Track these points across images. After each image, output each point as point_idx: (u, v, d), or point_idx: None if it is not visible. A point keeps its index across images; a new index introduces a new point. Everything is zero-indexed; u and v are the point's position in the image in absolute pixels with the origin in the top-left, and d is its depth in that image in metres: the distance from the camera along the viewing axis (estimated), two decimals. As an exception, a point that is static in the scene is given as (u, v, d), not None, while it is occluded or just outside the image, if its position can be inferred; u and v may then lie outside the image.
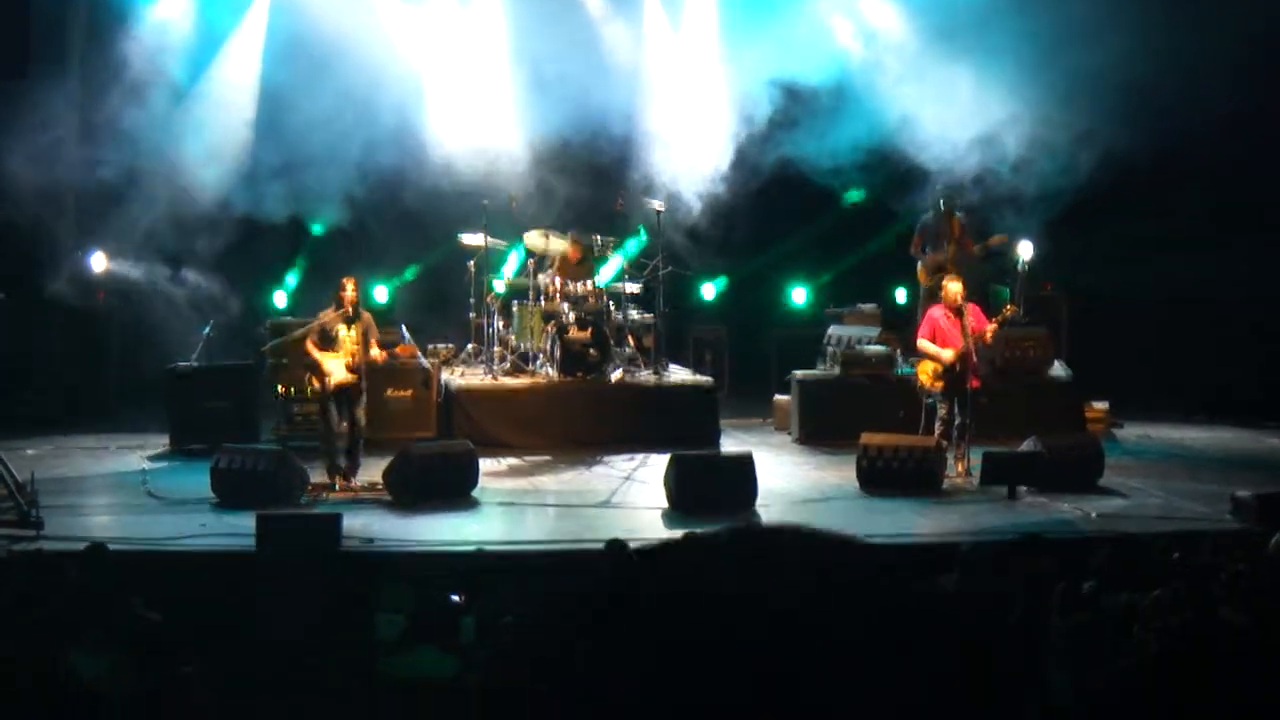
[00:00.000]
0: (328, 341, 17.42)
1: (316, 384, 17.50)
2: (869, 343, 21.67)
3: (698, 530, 11.90)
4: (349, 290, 17.45)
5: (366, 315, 17.74)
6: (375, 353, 17.52)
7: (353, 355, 17.34)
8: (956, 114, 21.55)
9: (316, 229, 23.01)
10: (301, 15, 22.15)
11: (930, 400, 18.53)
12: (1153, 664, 9.44)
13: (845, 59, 22.66)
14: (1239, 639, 9.98)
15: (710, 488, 16.82)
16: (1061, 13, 20.69)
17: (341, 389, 17.36)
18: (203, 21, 22.45)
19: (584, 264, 21.49)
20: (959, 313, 18.23)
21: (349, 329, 17.41)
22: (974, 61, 21.50)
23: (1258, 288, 22.71)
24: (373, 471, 17.54)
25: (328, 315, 17.52)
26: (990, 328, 18.35)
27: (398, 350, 18.52)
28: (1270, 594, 11.21)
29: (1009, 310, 18.88)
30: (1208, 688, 9.21)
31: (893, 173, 22.51)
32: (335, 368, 17.29)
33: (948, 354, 18.16)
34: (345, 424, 17.51)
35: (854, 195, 23.82)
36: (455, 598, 11.87)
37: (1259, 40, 20.76)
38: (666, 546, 5.06)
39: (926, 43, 22.27)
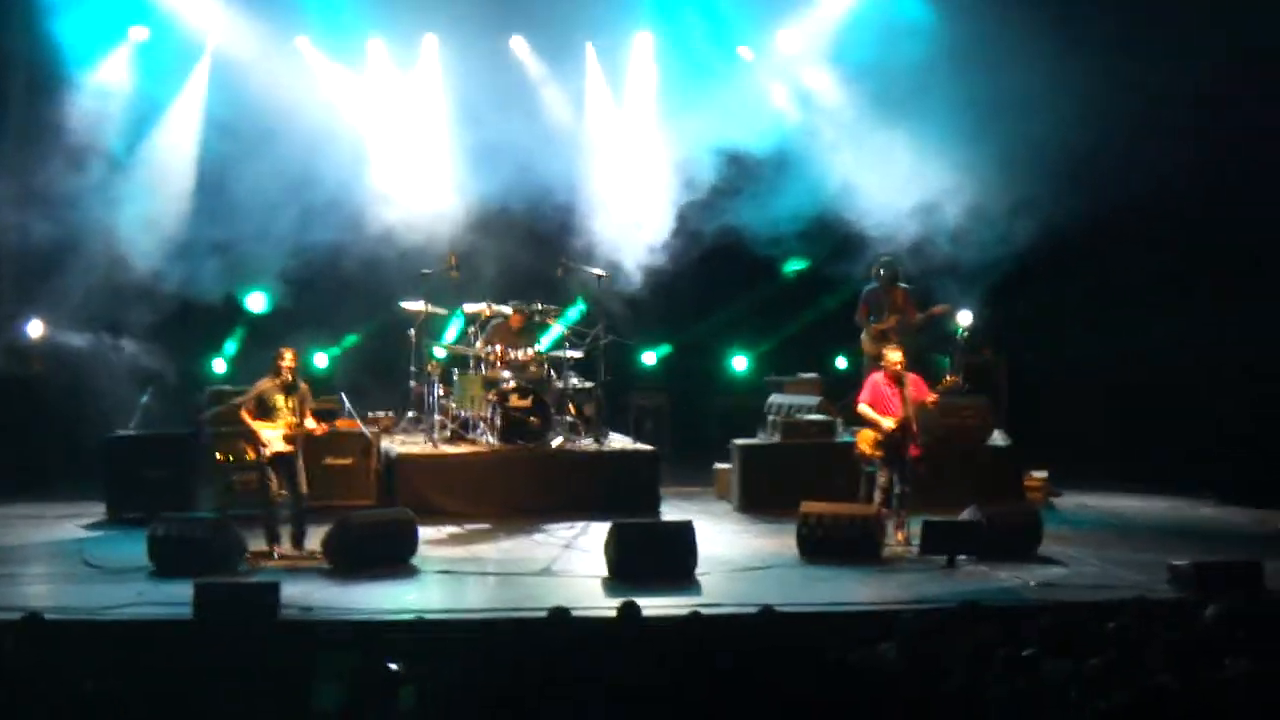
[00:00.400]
0: (265, 410, 17.35)
1: (253, 453, 17.41)
2: (809, 411, 21.74)
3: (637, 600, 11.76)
4: (287, 359, 17.39)
5: (304, 386, 17.67)
6: (311, 424, 17.46)
7: (290, 426, 17.28)
8: (896, 182, 21.77)
9: (254, 302, 22.87)
10: (241, 83, 22.19)
11: (870, 468, 18.58)
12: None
13: (785, 127, 22.84)
14: (1176, 706, 10.02)
15: (651, 556, 16.77)
16: (998, 80, 20.83)
17: (279, 458, 17.30)
18: (142, 88, 22.41)
19: (525, 331, 21.49)
20: (899, 381, 18.34)
21: (286, 399, 17.36)
22: (912, 129, 21.72)
23: (1195, 356, 22.88)
24: (311, 539, 17.45)
25: (265, 384, 17.45)
26: (931, 399, 18.45)
27: (337, 424, 18.45)
28: (1206, 662, 11.27)
29: (949, 380, 18.99)
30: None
31: (833, 241, 22.68)
32: (272, 437, 17.22)
33: (888, 422, 18.23)
34: (285, 491, 17.44)
35: (794, 265, 23.96)
36: (393, 666, 11.81)
37: (1198, 103, 20.97)
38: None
39: (865, 111, 22.48)
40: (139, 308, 21.52)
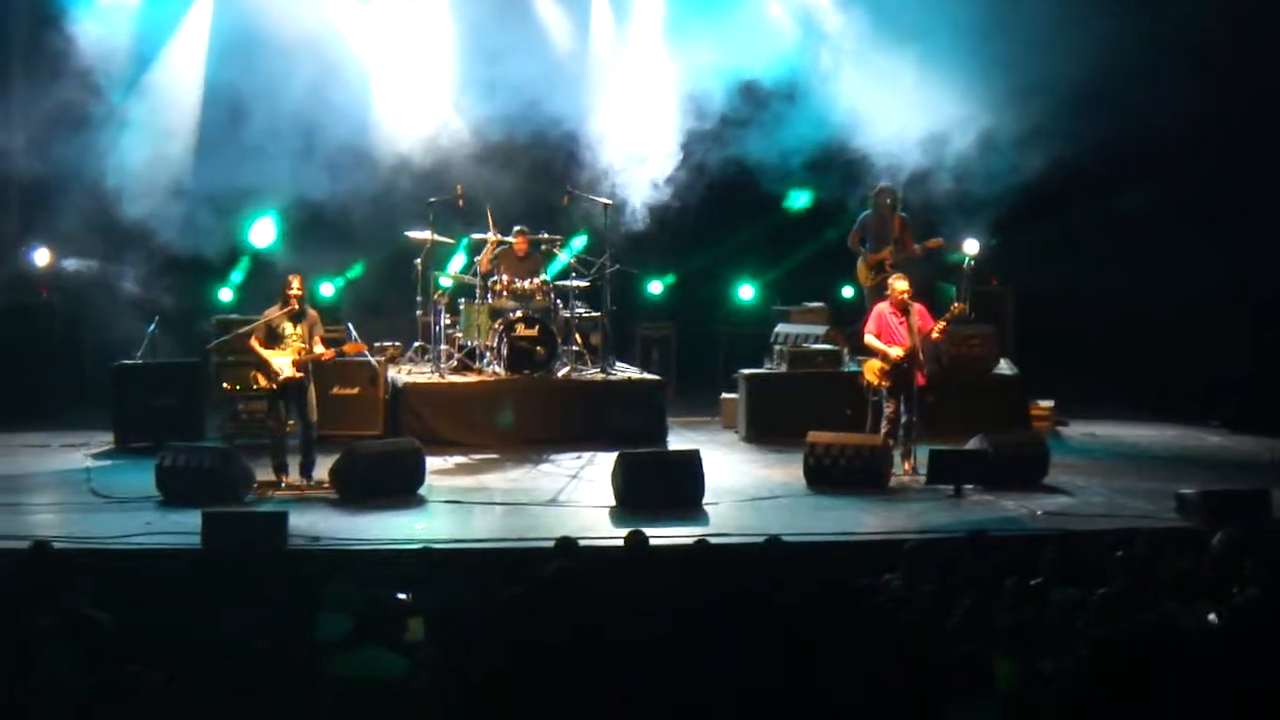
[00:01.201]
0: (274, 339, 17.33)
1: (263, 381, 17.39)
2: (816, 340, 21.71)
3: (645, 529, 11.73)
4: (294, 287, 17.37)
5: (312, 312, 17.65)
6: (320, 350, 17.43)
7: (299, 352, 17.27)
8: (903, 110, 21.58)
9: (260, 232, 22.72)
10: (247, 11, 22.01)
11: (876, 398, 18.57)
12: (1099, 656, 9.49)
13: (793, 55, 22.66)
14: (1183, 634, 10.04)
15: (657, 486, 16.81)
16: (1010, 11, 20.71)
17: (288, 386, 17.28)
18: (148, 15, 22.24)
19: (530, 260, 21.44)
20: (905, 310, 18.31)
21: (295, 326, 17.34)
22: (920, 56, 21.53)
23: (1204, 286, 22.84)
24: (319, 469, 17.47)
25: (273, 312, 17.44)
26: (938, 326, 18.42)
27: (345, 348, 18.45)
28: (1213, 591, 11.29)
29: (956, 308, 18.94)
30: (1153, 680, 9.27)
31: (839, 170, 22.52)
32: (282, 365, 17.21)
33: (895, 351, 18.22)
34: (292, 421, 17.46)
35: (797, 199, 23.86)
36: (401, 596, 11.84)
37: (1208, 40, 20.85)
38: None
39: (872, 38, 22.25)
40: (144, 237, 21.45)
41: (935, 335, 18.49)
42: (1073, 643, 10.12)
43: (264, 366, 17.28)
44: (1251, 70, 21.21)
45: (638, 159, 22.44)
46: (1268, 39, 21.25)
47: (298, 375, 17.29)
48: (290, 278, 17.51)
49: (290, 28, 21.82)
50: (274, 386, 17.28)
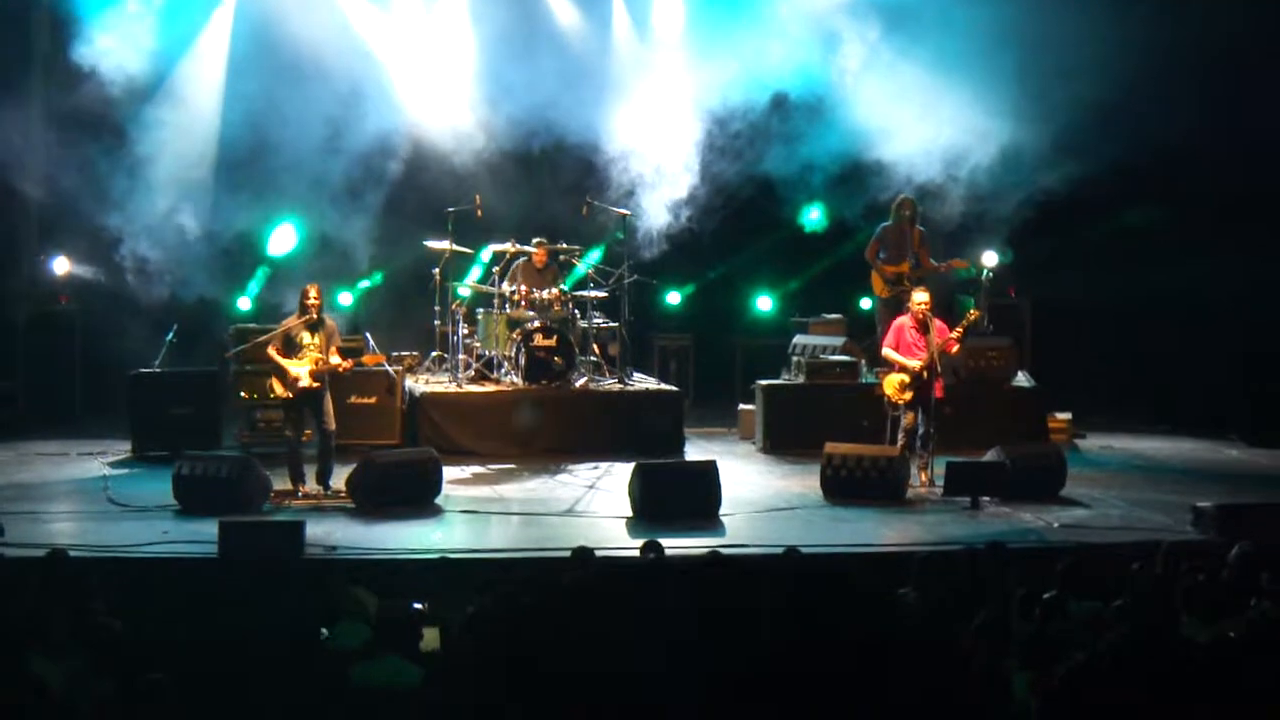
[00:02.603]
0: (291, 348, 17.37)
1: (280, 390, 17.43)
2: (834, 352, 21.71)
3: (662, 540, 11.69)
4: (312, 296, 17.41)
5: (330, 322, 17.70)
6: (337, 360, 17.46)
7: (316, 362, 17.30)
8: (921, 125, 21.59)
9: (279, 240, 22.72)
10: (267, 19, 22.06)
11: (896, 412, 18.55)
12: (1110, 664, 9.46)
13: (811, 69, 22.63)
14: (1198, 647, 10.00)
15: (674, 497, 16.81)
16: (1028, 23, 20.70)
17: (305, 395, 17.32)
18: (168, 25, 22.26)
19: (549, 271, 21.47)
20: (924, 324, 18.28)
21: (313, 335, 17.37)
22: (937, 71, 21.53)
23: (1221, 299, 22.82)
24: (336, 479, 17.49)
25: (291, 321, 17.48)
26: (954, 335, 18.38)
27: (364, 359, 18.48)
28: (1229, 605, 11.26)
29: (972, 315, 18.89)
30: (1164, 693, 9.24)
31: (855, 184, 22.51)
32: (299, 374, 17.25)
33: (914, 363, 18.20)
34: (309, 430, 17.49)
35: (809, 214, 23.87)
36: (418, 606, 11.83)
37: (1223, 54, 20.84)
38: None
39: (892, 51, 22.24)
40: (163, 245, 21.49)
41: (953, 347, 18.42)
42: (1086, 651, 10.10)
43: (281, 375, 17.31)
44: (1266, 83, 21.16)
45: (657, 170, 22.45)
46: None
47: (315, 385, 17.31)
48: (308, 287, 17.55)
49: (308, 36, 21.87)
50: (291, 395, 17.32)
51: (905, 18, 22.13)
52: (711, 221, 23.20)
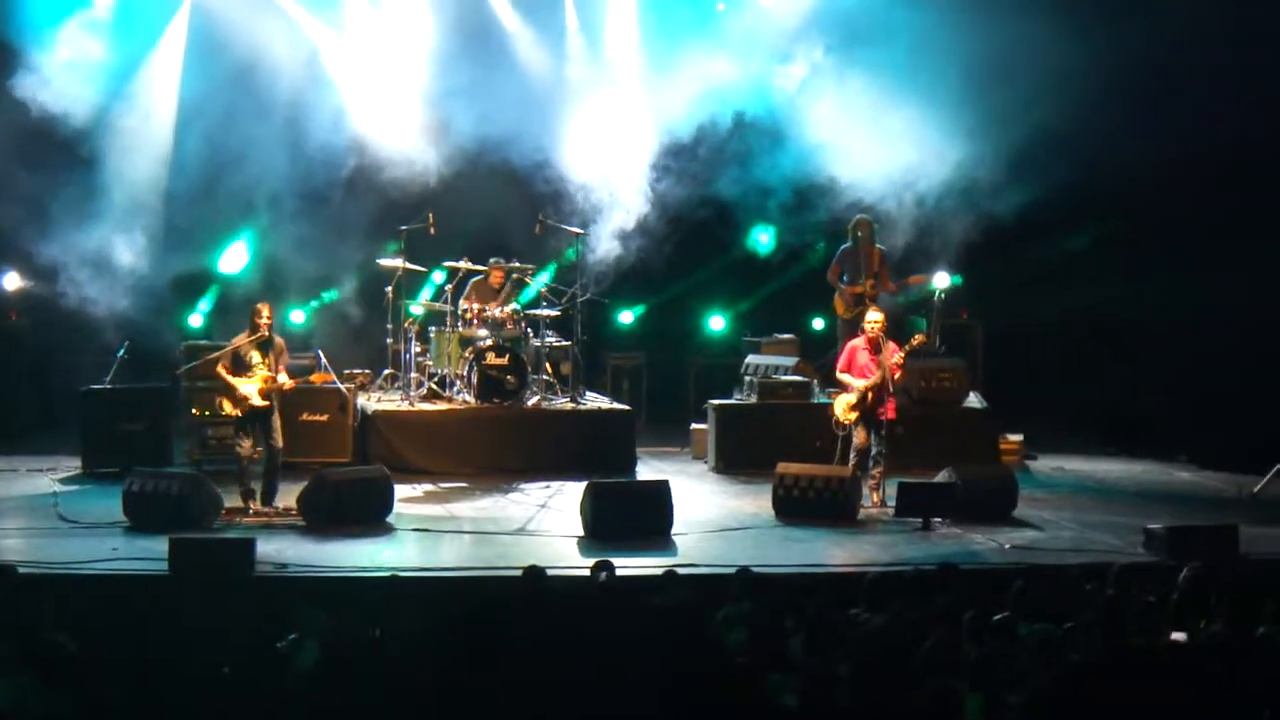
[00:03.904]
0: (241, 366, 17.35)
1: (229, 407, 17.40)
2: (786, 372, 21.73)
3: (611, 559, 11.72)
4: (264, 315, 17.40)
5: (279, 340, 17.69)
6: (284, 379, 17.41)
7: (265, 380, 17.27)
8: (875, 146, 21.63)
9: (231, 258, 22.62)
10: (220, 32, 22.02)
11: (845, 432, 18.56)
12: (1064, 686, 9.51)
13: (765, 90, 22.69)
14: (1150, 668, 10.06)
15: (626, 516, 16.81)
16: (978, 49, 20.78)
17: (254, 413, 17.29)
18: (120, 40, 22.15)
19: (503, 290, 21.47)
20: (877, 345, 18.31)
21: (263, 355, 17.35)
22: (893, 91, 21.60)
23: (1173, 322, 22.95)
24: (287, 496, 17.44)
25: (241, 340, 17.45)
26: (897, 358, 18.38)
27: (313, 379, 18.45)
28: (1179, 626, 11.32)
29: (917, 340, 18.91)
30: (1117, 713, 9.30)
31: (811, 203, 22.55)
32: (248, 392, 17.22)
33: (860, 383, 18.24)
34: (259, 448, 17.45)
35: (759, 237, 23.93)
36: (371, 628, 11.79)
37: (1170, 74, 20.97)
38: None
39: (845, 71, 22.30)
40: (115, 262, 21.38)
41: (896, 372, 18.36)
42: (1039, 676, 10.13)
43: (231, 393, 17.29)
44: (1221, 109, 21.30)
45: (610, 185, 22.44)
46: (1237, 80, 21.38)
47: (264, 403, 17.30)
48: (260, 305, 17.55)
49: (261, 52, 21.84)
50: (240, 413, 17.30)
51: (855, 41, 22.19)
52: (664, 240, 23.16)
